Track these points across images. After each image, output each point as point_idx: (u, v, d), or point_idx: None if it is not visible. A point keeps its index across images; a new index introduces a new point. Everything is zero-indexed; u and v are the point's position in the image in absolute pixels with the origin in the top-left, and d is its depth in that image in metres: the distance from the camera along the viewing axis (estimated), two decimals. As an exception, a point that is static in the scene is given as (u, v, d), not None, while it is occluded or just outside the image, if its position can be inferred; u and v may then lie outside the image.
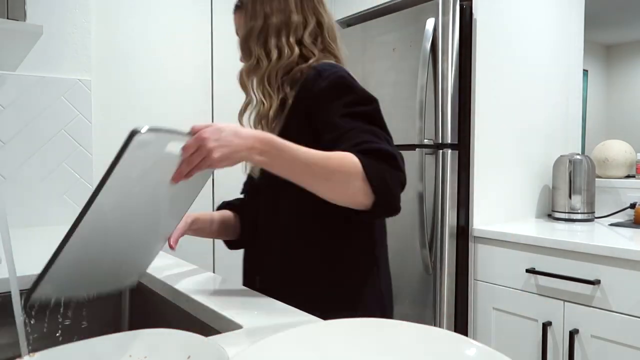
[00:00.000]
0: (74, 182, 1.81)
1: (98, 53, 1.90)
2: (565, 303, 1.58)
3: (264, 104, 0.97)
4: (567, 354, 1.56)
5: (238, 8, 1.05)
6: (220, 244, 1.47)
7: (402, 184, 0.86)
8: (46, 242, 1.45)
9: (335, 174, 0.79)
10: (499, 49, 1.94)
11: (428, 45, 1.84)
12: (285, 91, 0.98)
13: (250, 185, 1.14)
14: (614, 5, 4.51)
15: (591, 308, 1.52)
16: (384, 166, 0.82)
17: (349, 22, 2.51)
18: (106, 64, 1.92)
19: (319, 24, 1.02)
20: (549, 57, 2.17)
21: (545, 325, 1.62)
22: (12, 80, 1.69)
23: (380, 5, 2.27)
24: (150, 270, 1.06)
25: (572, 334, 1.54)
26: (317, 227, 0.96)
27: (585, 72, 5.53)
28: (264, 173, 0.94)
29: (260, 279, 1.03)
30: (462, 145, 1.87)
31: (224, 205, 1.18)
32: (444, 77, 1.84)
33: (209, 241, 2.17)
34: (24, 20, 1.16)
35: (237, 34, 1.06)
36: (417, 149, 1.87)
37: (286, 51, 0.98)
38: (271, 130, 0.94)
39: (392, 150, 0.84)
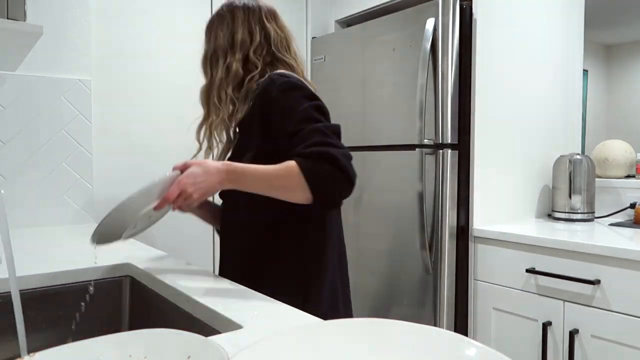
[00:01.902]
0: (74, 182, 1.81)
1: (98, 53, 1.90)
2: (565, 303, 1.58)
3: (215, 116, 1.12)
4: (567, 354, 1.56)
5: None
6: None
7: (346, 180, 0.95)
8: (46, 242, 1.45)
9: (283, 182, 0.95)
10: (499, 49, 1.94)
11: (428, 45, 1.84)
12: (235, 103, 1.12)
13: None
14: (614, 5, 4.51)
15: (591, 308, 1.52)
16: (326, 167, 0.93)
17: (349, 22, 2.51)
18: (106, 64, 1.92)
19: (266, 37, 1.15)
20: (549, 57, 2.18)
21: (545, 325, 1.62)
22: (12, 80, 1.69)
23: (380, 5, 2.28)
24: (151, 270, 1.06)
25: (572, 334, 1.55)
26: (270, 229, 1.08)
27: (585, 72, 5.53)
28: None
29: (220, 273, 1.15)
30: (462, 145, 1.87)
31: None
32: (444, 77, 1.84)
33: (209, 241, 2.17)
34: (24, 20, 1.16)
35: None
36: (417, 149, 1.87)
37: (233, 67, 1.12)
38: (219, 137, 1.15)
39: (335, 153, 0.94)
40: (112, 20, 1.93)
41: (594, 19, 4.79)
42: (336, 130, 1.01)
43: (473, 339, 1.72)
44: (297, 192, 0.94)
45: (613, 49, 6.04)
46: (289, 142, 0.99)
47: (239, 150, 1.12)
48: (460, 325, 1.88)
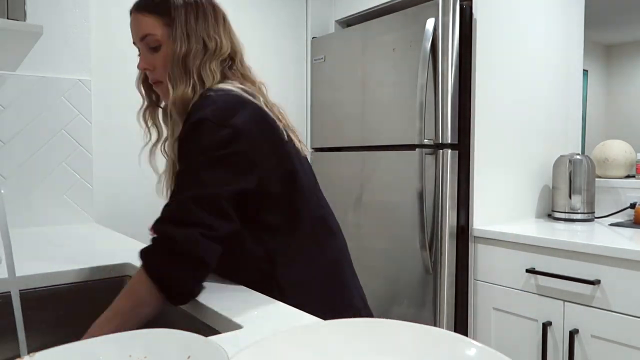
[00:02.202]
0: (74, 182, 1.81)
1: (98, 53, 1.90)
2: (565, 303, 1.58)
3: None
4: (567, 354, 1.56)
5: (152, 11, 0.95)
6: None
7: (193, 263, 0.81)
8: (46, 242, 1.45)
9: (133, 304, 0.82)
10: (499, 49, 1.94)
11: (428, 45, 1.84)
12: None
13: None
14: (614, 5, 4.51)
15: (591, 308, 1.52)
16: (166, 259, 0.81)
17: (349, 22, 2.51)
18: (106, 64, 1.92)
19: (235, 51, 1.00)
20: (549, 57, 2.17)
21: (545, 325, 1.62)
22: (12, 80, 1.69)
23: (380, 5, 2.28)
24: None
25: (572, 334, 1.55)
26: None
27: (585, 72, 5.53)
28: None
29: None
30: (462, 145, 1.87)
31: None
32: (444, 77, 1.84)
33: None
34: (24, 20, 1.16)
35: (139, 34, 0.97)
36: (417, 149, 1.87)
37: (217, 77, 0.95)
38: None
39: (173, 232, 0.80)
40: (112, 20, 1.93)
41: (594, 19, 4.79)
42: (211, 201, 0.83)
43: (473, 339, 1.72)
44: (152, 299, 0.81)
45: (613, 49, 6.04)
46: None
47: None
48: (460, 325, 1.88)
